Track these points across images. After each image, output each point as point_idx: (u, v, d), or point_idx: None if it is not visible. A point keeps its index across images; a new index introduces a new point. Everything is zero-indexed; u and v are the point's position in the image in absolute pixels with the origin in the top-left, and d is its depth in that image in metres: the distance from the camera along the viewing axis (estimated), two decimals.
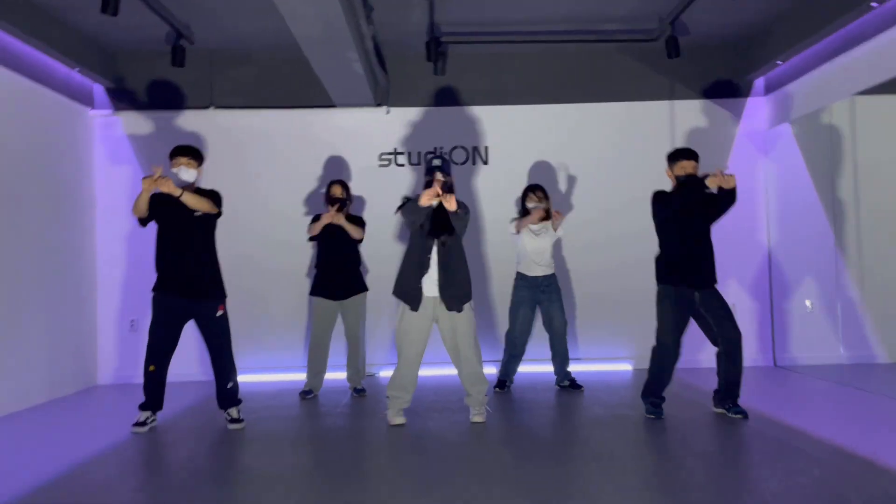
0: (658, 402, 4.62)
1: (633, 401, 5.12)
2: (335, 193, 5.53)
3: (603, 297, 6.70)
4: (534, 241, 5.60)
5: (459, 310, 4.48)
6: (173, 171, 4.50)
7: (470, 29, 6.19)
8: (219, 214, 4.61)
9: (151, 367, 4.48)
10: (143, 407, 4.55)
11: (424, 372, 6.47)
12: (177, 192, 4.29)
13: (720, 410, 4.64)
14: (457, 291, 4.48)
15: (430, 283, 4.47)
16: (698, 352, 6.26)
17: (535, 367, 6.36)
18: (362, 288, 5.66)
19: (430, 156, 5.09)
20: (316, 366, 5.62)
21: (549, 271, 5.62)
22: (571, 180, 6.76)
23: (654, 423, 4.42)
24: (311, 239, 5.56)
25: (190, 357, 6.18)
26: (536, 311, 5.65)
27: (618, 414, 4.74)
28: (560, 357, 5.66)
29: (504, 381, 5.70)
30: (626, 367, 6.67)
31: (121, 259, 6.59)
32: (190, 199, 4.35)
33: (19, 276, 5.44)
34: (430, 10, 5.59)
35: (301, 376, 5.91)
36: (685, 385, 5.66)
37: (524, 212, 5.67)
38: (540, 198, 5.63)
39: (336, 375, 5.99)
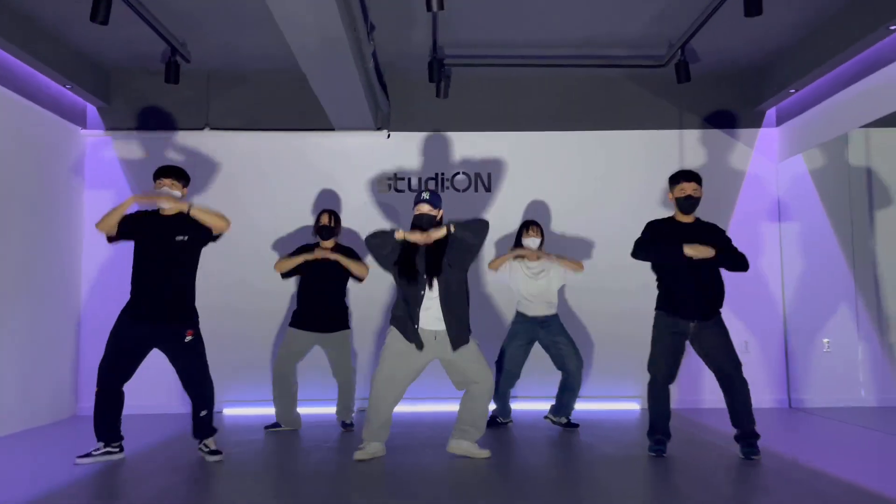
0: (662, 438, 4.34)
1: (643, 440, 4.80)
2: (322, 222, 5.24)
3: (610, 332, 6.40)
4: (529, 283, 5.27)
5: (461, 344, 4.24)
6: (156, 192, 4.28)
7: (474, 51, 6.03)
8: (213, 239, 4.35)
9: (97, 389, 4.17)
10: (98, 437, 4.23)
11: (419, 408, 6.19)
12: (184, 206, 4.14)
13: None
14: (459, 331, 4.21)
15: (433, 318, 4.19)
16: (705, 391, 5.97)
17: (536, 405, 6.05)
18: (345, 325, 5.31)
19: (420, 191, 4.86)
20: (281, 398, 5.23)
21: (549, 311, 5.29)
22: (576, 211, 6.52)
23: (666, 465, 4.08)
24: (285, 275, 5.20)
25: (171, 388, 5.85)
26: (530, 350, 5.32)
27: (627, 455, 4.40)
28: (570, 393, 5.26)
29: (495, 418, 5.34)
30: (635, 406, 6.33)
31: (106, 286, 6.31)
32: (200, 214, 4.17)
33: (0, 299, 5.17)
34: (434, 28, 5.43)
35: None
36: (699, 425, 5.33)
37: (518, 247, 5.37)
38: (536, 233, 5.33)
39: (327, 410, 5.67)
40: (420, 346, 4.17)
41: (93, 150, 6.44)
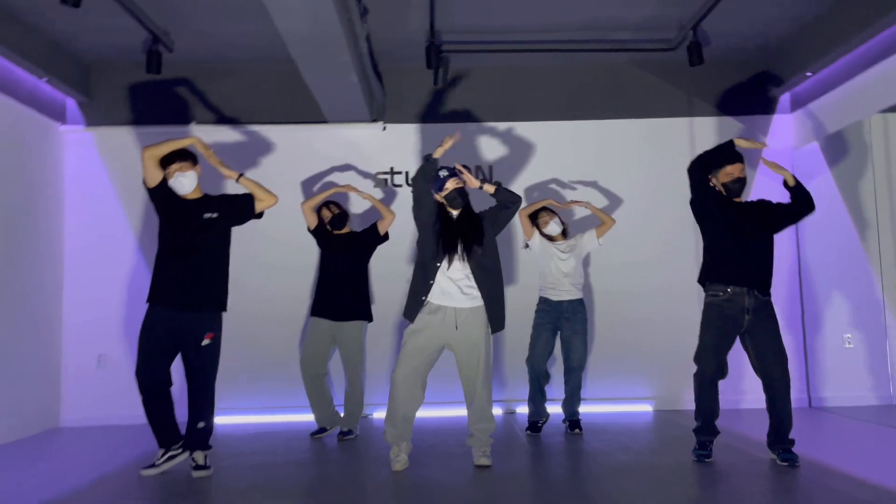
0: (707, 442, 4.04)
1: (661, 446, 4.51)
2: (330, 212, 5.13)
3: (621, 329, 6.10)
4: (560, 261, 5.00)
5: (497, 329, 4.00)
6: (171, 186, 3.96)
7: (473, 37, 5.71)
8: (256, 216, 4.18)
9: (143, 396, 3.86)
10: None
11: (424, 413, 5.91)
12: (233, 174, 4.07)
13: (773, 456, 4.01)
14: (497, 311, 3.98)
15: (454, 293, 3.90)
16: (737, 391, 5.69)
17: (549, 407, 5.75)
18: (365, 315, 5.04)
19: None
20: (316, 398, 4.98)
21: (576, 295, 5.02)
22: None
23: (688, 473, 3.78)
24: (314, 231, 5.06)
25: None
26: (555, 341, 5.05)
27: (644, 462, 4.09)
28: (571, 393, 5.02)
29: (536, 423, 5.03)
30: (647, 408, 6.03)
31: (90, 288, 5.98)
32: (250, 184, 4.08)
33: None
34: (431, 11, 5.11)
35: (295, 417, 5.36)
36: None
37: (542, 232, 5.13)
38: (551, 217, 5.10)
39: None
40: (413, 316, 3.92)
41: (73, 147, 6.10)
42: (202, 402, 3.95)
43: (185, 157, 3.99)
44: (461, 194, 3.99)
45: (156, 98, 6.14)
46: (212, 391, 3.99)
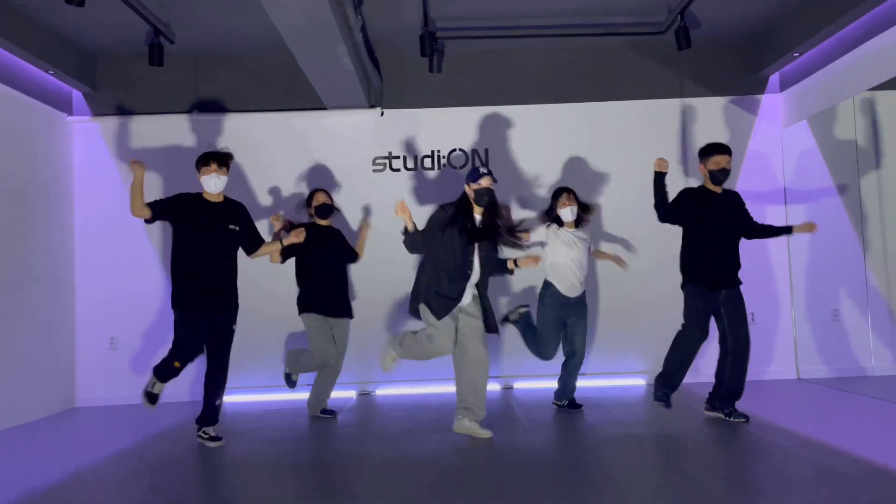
0: (668, 392, 4.50)
1: (649, 418, 4.72)
2: (320, 200, 5.11)
3: (614, 306, 6.30)
4: (569, 251, 4.88)
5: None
6: (202, 181, 4.28)
7: (467, 24, 5.84)
8: (247, 253, 4.64)
9: (176, 364, 4.17)
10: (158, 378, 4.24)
11: (423, 389, 6.13)
12: (277, 246, 4.66)
13: (715, 414, 4.59)
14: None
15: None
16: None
17: (540, 383, 5.97)
18: (350, 313, 5.16)
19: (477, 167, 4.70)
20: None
21: (582, 290, 4.95)
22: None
23: (674, 444, 3.99)
24: (284, 259, 4.92)
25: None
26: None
27: (633, 433, 4.31)
28: (573, 374, 5.05)
29: (574, 401, 5.11)
30: (640, 381, 6.24)
31: (101, 273, 6.20)
32: (272, 247, 4.65)
33: None
34: (424, 2, 5.24)
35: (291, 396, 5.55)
36: (695, 398, 5.25)
37: (554, 219, 4.96)
38: (571, 201, 4.92)
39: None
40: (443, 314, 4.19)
41: (80, 137, 6.29)
42: (221, 381, 4.34)
43: (224, 162, 4.33)
44: (489, 194, 4.23)
45: (159, 87, 6.31)
46: (227, 370, 4.36)
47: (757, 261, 6.24)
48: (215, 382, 4.32)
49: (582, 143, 6.42)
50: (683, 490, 3.18)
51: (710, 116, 6.41)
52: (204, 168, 4.28)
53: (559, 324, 4.93)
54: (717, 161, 4.48)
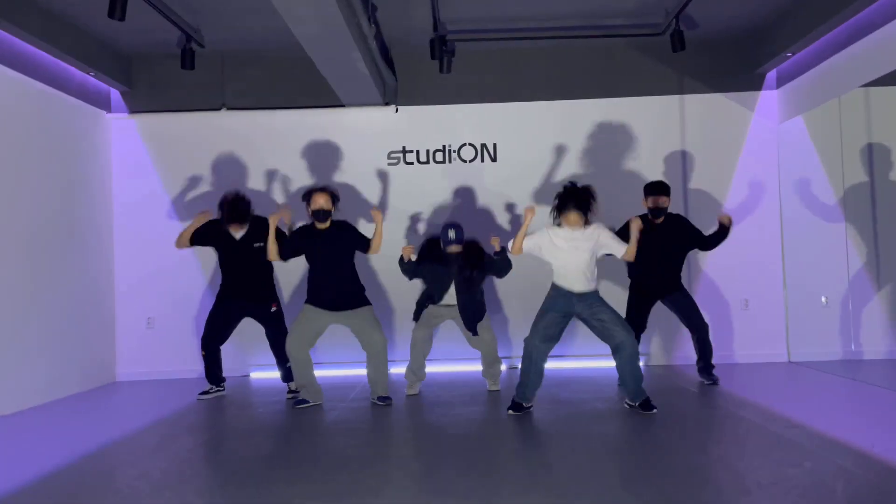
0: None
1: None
2: (319, 205, 5.03)
3: (617, 290, 6.66)
4: (563, 255, 4.53)
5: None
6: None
7: (475, 26, 6.22)
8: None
9: (203, 353, 5.56)
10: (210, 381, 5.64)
11: (430, 368, 6.59)
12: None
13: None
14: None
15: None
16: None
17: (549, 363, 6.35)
18: (359, 304, 5.14)
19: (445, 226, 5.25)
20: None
21: (589, 288, 4.57)
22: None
23: (664, 419, 4.37)
24: (285, 258, 5.13)
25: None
26: (566, 324, 4.66)
27: (618, 409, 4.73)
28: (629, 377, 4.58)
29: (520, 404, 4.68)
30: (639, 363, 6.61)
31: (138, 259, 6.74)
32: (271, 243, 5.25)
33: (38, 276, 5.61)
34: (434, 7, 5.63)
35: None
36: (689, 380, 5.63)
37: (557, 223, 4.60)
38: (580, 221, 4.53)
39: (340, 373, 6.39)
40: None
41: (118, 132, 6.81)
42: (283, 350, 5.39)
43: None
44: (460, 258, 5.15)
45: (190, 86, 6.78)
46: (284, 344, 5.31)
47: (751, 250, 6.58)
48: (279, 352, 5.54)
49: (585, 137, 6.76)
50: (652, 453, 3.59)
51: (709, 112, 6.72)
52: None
53: (562, 312, 4.57)
54: (654, 200, 5.46)
